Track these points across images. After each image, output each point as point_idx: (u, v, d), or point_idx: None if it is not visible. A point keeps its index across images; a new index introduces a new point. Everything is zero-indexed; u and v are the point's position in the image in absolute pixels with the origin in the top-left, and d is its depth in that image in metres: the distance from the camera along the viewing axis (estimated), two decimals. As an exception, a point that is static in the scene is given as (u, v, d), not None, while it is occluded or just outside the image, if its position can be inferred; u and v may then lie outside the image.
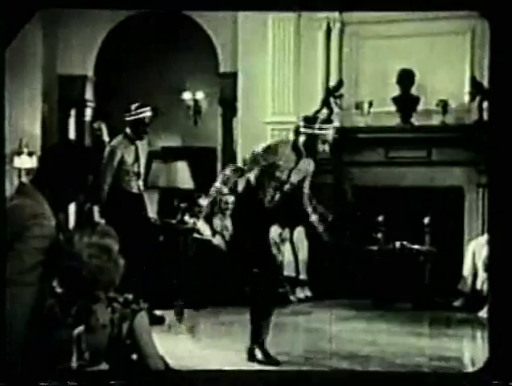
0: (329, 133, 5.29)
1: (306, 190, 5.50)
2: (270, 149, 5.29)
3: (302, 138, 5.26)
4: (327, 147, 5.32)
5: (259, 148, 5.31)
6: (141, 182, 6.93)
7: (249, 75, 9.50)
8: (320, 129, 5.24)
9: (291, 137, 5.47)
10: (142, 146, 6.93)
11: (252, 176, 5.28)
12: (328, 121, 5.60)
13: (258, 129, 9.23)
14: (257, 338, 5.25)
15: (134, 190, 6.84)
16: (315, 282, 8.52)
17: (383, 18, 8.48)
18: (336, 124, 8.83)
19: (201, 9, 6.69)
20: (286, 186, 5.32)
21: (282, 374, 3.83)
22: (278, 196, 5.32)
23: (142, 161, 6.93)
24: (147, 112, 6.82)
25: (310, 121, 5.34)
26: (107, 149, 6.86)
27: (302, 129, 5.29)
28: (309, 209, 5.55)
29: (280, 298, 7.91)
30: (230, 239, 5.41)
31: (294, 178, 5.33)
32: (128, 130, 6.82)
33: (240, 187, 5.31)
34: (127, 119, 6.80)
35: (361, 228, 8.45)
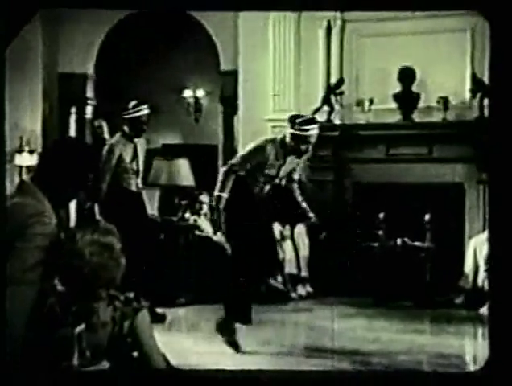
0: (311, 134, 5.26)
1: (295, 184, 5.58)
2: (259, 149, 5.33)
3: (287, 136, 5.30)
4: (310, 147, 5.33)
5: (248, 147, 5.37)
6: (139, 180, 6.92)
7: (250, 72, 9.48)
8: (300, 130, 5.23)
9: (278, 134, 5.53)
10: (141, 144, 6.91)
11: (242, 174, 5.31)
12: (311, 121, 5.43)
13: (259, 127, 9.22)
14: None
15: (133, 188, 6.83)
16: (316, 279, 8.51)
17: (384, 15, 8.47)
18: (337, 121, 8.91)
19: (202, 9, 6.68)
20: (276, 180, 5.39)
21: (281, 373, 3.83)
22: (267, 188, 5.37)
23: (141, 159, 6.91)
24: (145, 110, 6.79)
25: (292, 120, 5.35)
26: (105, 147, 6.85)
27: (287, 128, 5.33)
28: (303, 204, 5.64)
29: (281, 295, 7.97)
30: (225, 235, 5.49)
31: (283, 173, 5.41)
32: (126, 128, 6.81)
33: (230, 184, 5.32)
34: (125, 117, 6.79)
35: (362, 225, 8.45)
